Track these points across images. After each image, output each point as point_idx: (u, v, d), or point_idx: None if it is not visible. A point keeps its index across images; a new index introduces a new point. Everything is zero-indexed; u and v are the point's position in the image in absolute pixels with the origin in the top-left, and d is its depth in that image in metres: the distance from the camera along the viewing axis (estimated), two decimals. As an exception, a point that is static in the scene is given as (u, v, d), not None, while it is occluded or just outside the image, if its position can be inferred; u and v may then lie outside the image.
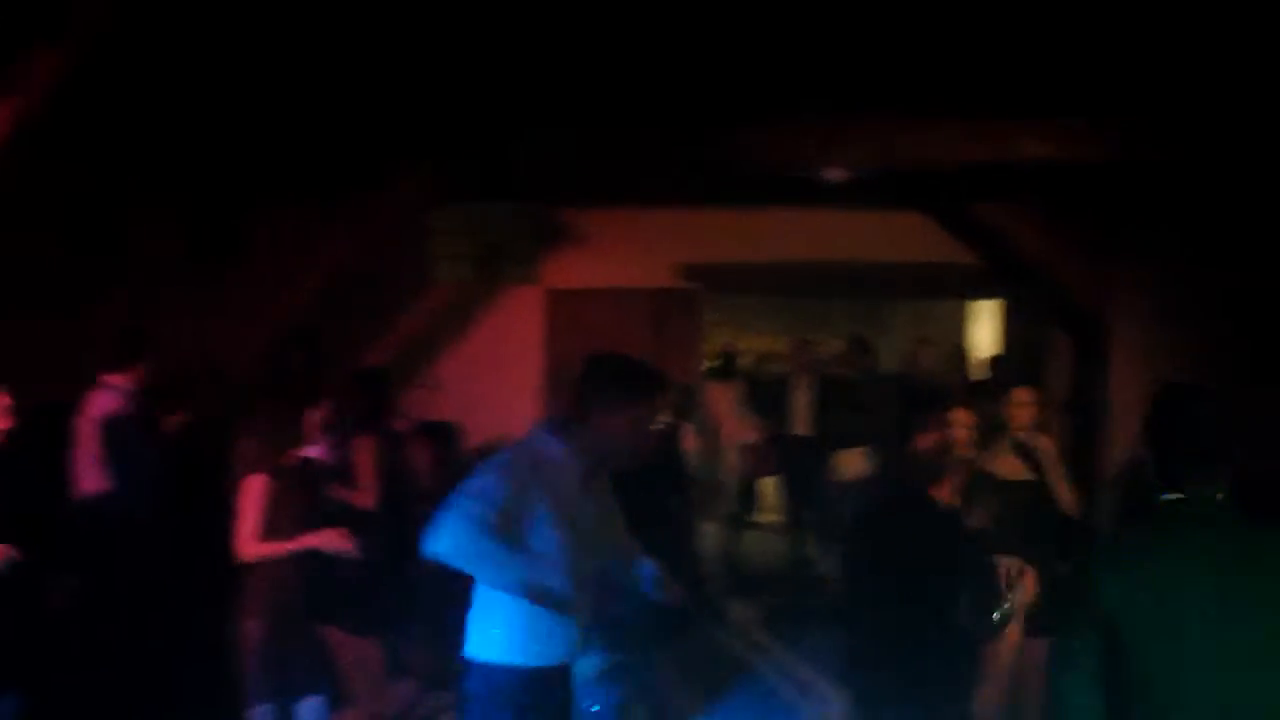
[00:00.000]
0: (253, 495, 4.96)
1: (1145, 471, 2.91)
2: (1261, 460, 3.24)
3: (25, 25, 4.69)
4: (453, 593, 6.41)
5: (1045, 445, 6.14)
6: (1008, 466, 5.85)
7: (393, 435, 6.69)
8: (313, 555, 5.08)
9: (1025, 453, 5.94)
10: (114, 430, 6.12)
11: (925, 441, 4.31)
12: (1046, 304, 8.63)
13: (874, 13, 5.13)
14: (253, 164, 6.78)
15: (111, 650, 5.66)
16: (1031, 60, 5.46)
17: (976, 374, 10.18)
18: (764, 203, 9.01)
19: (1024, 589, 4.40)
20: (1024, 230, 7.84)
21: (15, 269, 6.05)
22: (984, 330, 12.20)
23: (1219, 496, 2.83)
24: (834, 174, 7.04)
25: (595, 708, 4.85)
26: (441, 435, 6.90)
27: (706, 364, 10.90)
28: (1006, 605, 4.15)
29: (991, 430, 6.37)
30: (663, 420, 6.68)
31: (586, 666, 4.98)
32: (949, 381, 9.48)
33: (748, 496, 11.00)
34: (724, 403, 9.96)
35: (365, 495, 6.16)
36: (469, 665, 3.69)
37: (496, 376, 9.70)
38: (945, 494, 4.37)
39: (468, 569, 3.57)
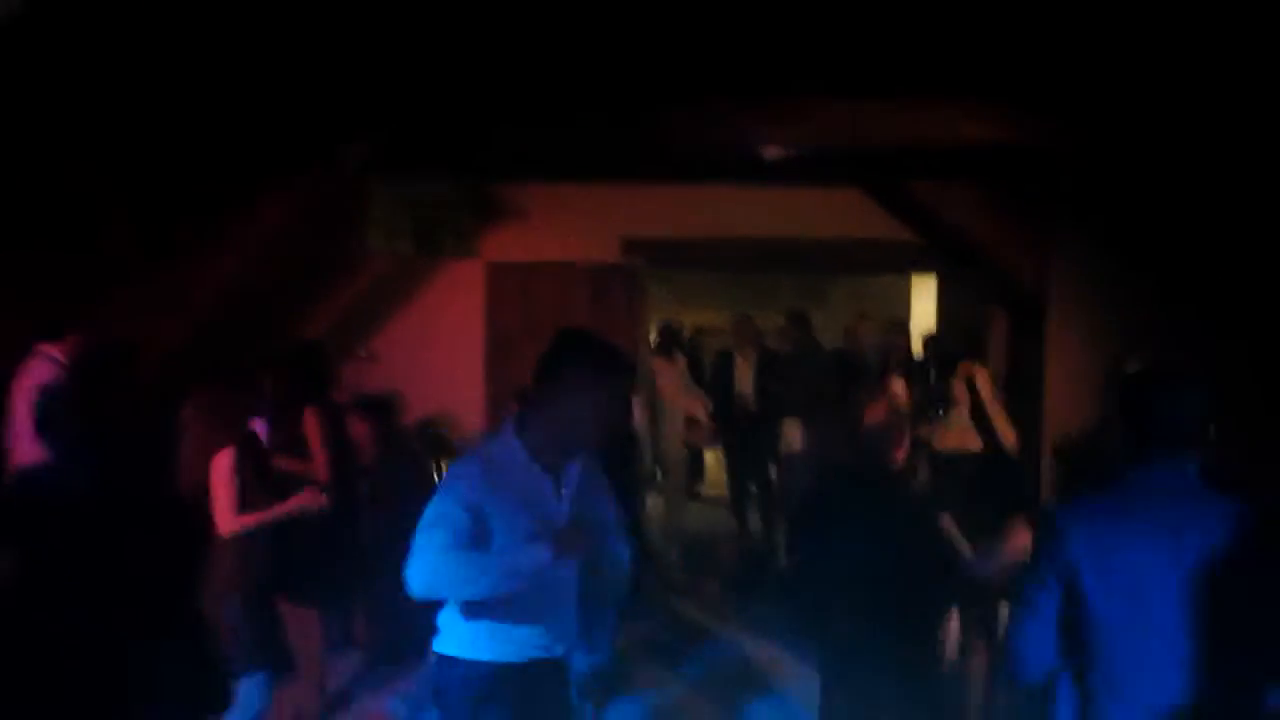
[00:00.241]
0: (222, 471, 4.94)
1: (1105, 443, 3.00)
2: (1228, 437, 3.35)
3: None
4: (399, 569, 6.46)
5: (982, 378, 6.27)
6: (955, 439, 5.95)
7: (333, 407, 6.66)
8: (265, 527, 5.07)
9: (978, 421, 6.04)
10: (46, 399, 6.03)
11: (875, 414, 4.36)
12: (984, 281, 8.73)
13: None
14: (188, 142, 6.67)
15: (45, 629, 5.59)
16: (970, 39, 5.50)
17: (915, 349, 10.29)
18: (705, 178, 9.01)
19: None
20: (961, 208, 7.91)
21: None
22: (924, 306, 12.32)
23: (1188, 470, 2.95)
24: (772, 152, 7.06)
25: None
26: (380, 408, 6.88)
27: (650, 339, 10.93)
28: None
29: (931, 404, 6.47)
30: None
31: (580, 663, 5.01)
32: (887, 356, 9.59)
33: (693, 470, 11.07)
34: (669, 377, 10.00)
35: (318, 466, 6.12)
36: (441, 660, 3.61)
37: (436, 350, 9.66)
38: (896, 464, 4.43)
39: (451, 596, 3.51)
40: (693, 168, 8.46)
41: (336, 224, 8.41)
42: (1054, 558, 2.95)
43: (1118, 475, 3.01)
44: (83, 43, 5.37)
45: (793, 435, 8.98)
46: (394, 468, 6.60)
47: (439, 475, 7.69)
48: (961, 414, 6.45)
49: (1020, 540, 4.21)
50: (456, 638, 3.56)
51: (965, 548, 4.39)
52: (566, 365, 3.53)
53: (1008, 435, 6.19)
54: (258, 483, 5.10)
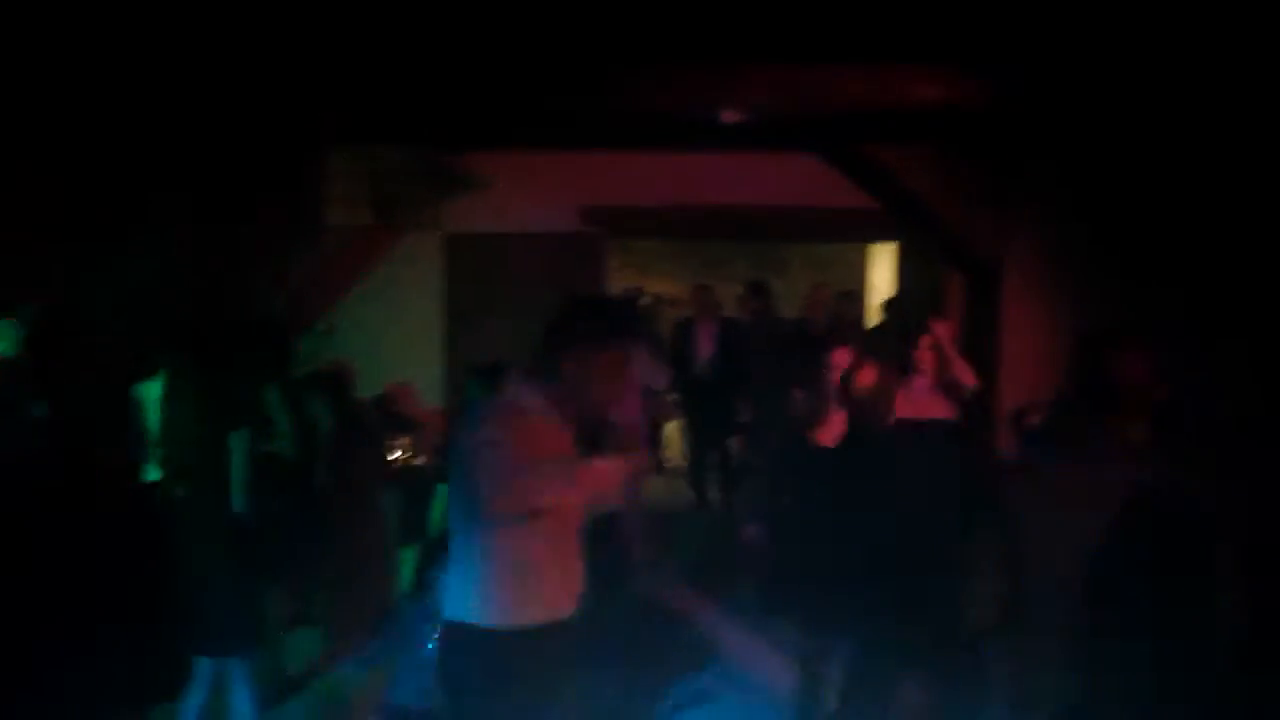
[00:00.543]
0: None
1: (1060, 407, 3.09)
2: (1172, 400, 3.43)
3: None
4: (358, 543, 6.45)
5: (942, 331, 6.32)
6: (919, 406, 5.97)
7: (291, 382, 6.62)
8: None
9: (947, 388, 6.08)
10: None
11: (866, 378, 4.38)
12: (941, 248, 8.75)
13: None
14: (144, 113, 6.58)
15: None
16: (926, 2, 5.49)
17: (873, 317, 10.33)
18: (664, 147, 8.99)
19: None
20: (919, 175, 7.92)
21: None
22: (882, 273, 12.36)
23: (1130, 433, 3.05)
24: (729, 117, 7.03)
25: (430, 645, 4.84)
26: (338, 381, 6.84)
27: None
28: None
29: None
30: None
31: None
32: (846, 324, 9.63)
33: (653, 441, 11.08)
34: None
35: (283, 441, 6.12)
36: (450, 628, 3.55)
37: (395, 322, 9.60)
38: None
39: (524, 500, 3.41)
40: (651, 136, 8.42)
41: (294, 195, 8.34)
42: (1001, 519, 3.13)
43: (1064, 439, 3.08)
44: (35, 14, 5.29)
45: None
46: (349, 442, 6.56)
47: (397, 450, 7.66)
48: (924, 381, 6.48)
49: None
50: (466, 604, 3.50)
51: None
52: (571, 333, 3.49)
53: (969, 379, 6.26)
54: None
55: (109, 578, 5.54)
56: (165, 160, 7.13)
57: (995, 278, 7.82)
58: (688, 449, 10.70)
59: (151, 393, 6.48)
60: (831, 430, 4.95)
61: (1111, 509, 2.94)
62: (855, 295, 11.06)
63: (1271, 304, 5.79)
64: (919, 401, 6.01)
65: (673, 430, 11.39)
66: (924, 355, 6.11)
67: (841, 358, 5.14)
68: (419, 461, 7.64)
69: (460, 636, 3.50)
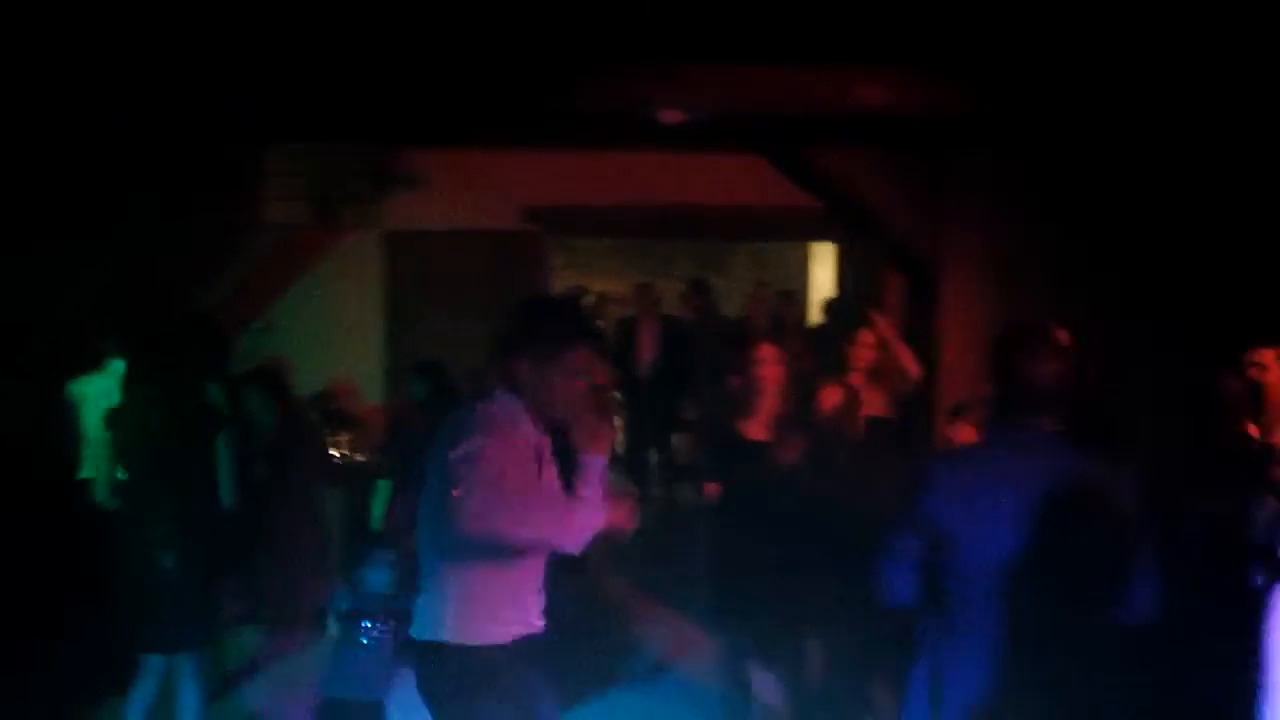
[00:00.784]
0: None
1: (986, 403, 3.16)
2: (1092, 395, 3.55)
3: None
4: (299, 540, 6.40)
5: (884, 325, 6.40)
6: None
7: (231, 380, 6.56)
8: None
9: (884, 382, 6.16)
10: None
11: (831, 397, 4.42)
12: (881, 248, 8.83)
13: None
14: (81, 108, 6.50)
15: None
16: (869, 6, 5.54)
17: (813, 316, 10.41)
18: (606, 145, 9.00)
19: None
20: (858, 176, 7.99)
21: None
22: (823, 273, 12.45)
23: (1048, 427, 3.12)
24: (671, 117, 7.05)
25: (365, 639, 4.82)
26: (277, 379, 6.79)
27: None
28: None
29: (829, 370, 6.55)
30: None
31: None
32: (787, 323, 9.69)
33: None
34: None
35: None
36: (426, 649, 3.44)
37: (334, 320, 9.53)
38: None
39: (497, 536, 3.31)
40: (592, 134, 8.43)
41: (232, 193, 8.26)
42: (918, 507, 3.16)
43: (984, 432, 3.17)
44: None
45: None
46: (289, 439, 6.51)
47: (339, 449, 7.62)
48: (859, 378, 6.53)
49: None
50: (442, 623, 3.40)
51: None
52: (530, 335, 3.42)
53: (914, 368, 6.35)
54: None
55: (50, 576, 5.49)
56: (101, 160, 7.04)
57: (933, 277, 7.91)
58: (627, 447, 10.71)
59: (89, 389, 6.41)
60: (760, 423, 5.00)
61: (1027, 499, 3.04)
62: (796, 294, 11.13)
63: (1201, 300, 5.91)
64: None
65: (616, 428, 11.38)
66: (862, 352, 6.17)
67: (768, 352, 5.20)
68: (359, 458, 7.60)
69: (438, 655, 3.41)
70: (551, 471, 3.50)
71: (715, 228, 10.69)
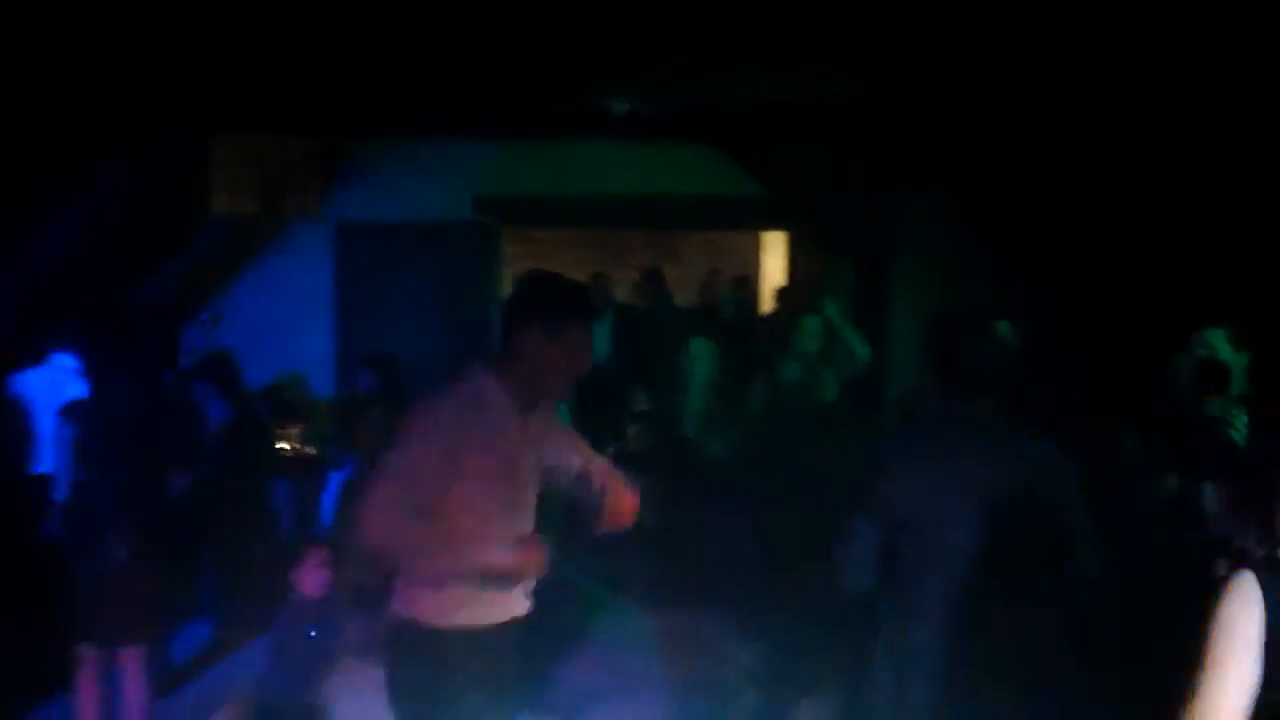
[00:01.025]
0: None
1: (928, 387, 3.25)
2: (1032, 377, 3.63)
3: None
4: (248, 534, 6.35)
5: (832, 311, 6.46)
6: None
7: (179, 371, 6.51)
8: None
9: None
10: None
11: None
12: (831, 237, 8.88)
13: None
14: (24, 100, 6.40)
15: None
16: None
17: (766, 304, 10.42)
18: (558, 135, 8.97)
19: None
20: (809, 165, 8.03)
21: None
22: (777, 261, 12.47)
23: (988, 409, 3.24)
24: (621, 107, 7.05)
25: (313, 633, 4.79)
26: (226, 371, 6.73)
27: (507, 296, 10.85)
28: None
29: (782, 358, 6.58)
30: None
31: None
32: (739, 311, 9.70)
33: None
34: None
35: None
36: (401, 626, 3.36)
37: (284, 311, 9.45)
38: None
39: (396, 554, 3.30)
40: (546, 125, 8.41)
41: (179, 185, 8.17)
42: (872, 489, 3.28)
43: (927, 414, 3.25)
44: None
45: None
46: (238, 432, 6.46)
47: (288, 442, 7.55)
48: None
49: None
50: (413, 603, 3.33)
51: None
52: (537, 310, 3.34)
53: (859, 347, 6.41)
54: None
55: None
56: (47, 150, 6.95)
57: (884, 266, 7.96)
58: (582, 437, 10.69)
59: (34, 384, 6.33)
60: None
61: (972, 480, 3.16)
62: (749, 282, 11.14)
63: (1151, 283, 5.98)
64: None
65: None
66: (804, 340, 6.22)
67: (698, 347, 5.25)
68: (309, 451, 7.54)
69: (407, 636, 3.34)
70: (516, 457, 3.38)
71: (668, 216, 10.67)
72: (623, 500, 3.54)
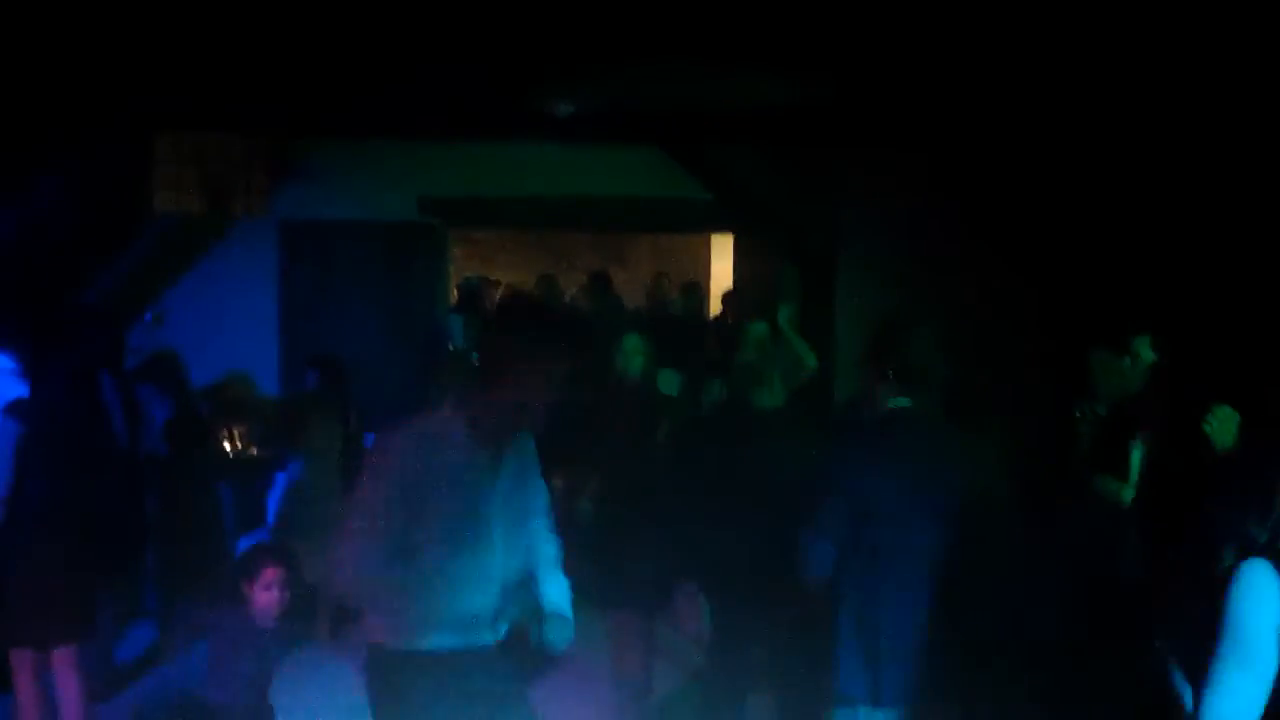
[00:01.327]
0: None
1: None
2: (970, 374, 3.81)
3: None
4: (192, 535, 6.31)
5: (781, 315, 6.52)
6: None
7: (123, 371, 6.45)
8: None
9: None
10: None
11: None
12: (777, 241, 8.93)
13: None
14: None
15: None
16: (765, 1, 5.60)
17: (713, 308, 10.48)
18: (504, 137, 8.98)
19: None
20: (755, 169, 8.07)
21: None
22: (722, 264, 12.55)
23: (930, 404, 3.46)
24: (566, 109, 7.06)
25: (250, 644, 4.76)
26: (170, 371, 6.68)
27: (452, 297, 10.85)
28: None
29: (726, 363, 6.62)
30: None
31: None
32: (687, 315, 9.75)
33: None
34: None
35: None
36: (374, 651, 3.32)
37: (228, 311, 9.39)
38: None
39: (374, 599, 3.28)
40: (492, 126, 8.40)
41: (122, 182, 8.09)
42: (835, 483, 3.47)
43: (873, 413, 3.50)
44: None
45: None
46: (182, 432, 6.42)
47: (232, 441, 7.51)
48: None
49: None
50: (390, 625, 3.29)
51: None
52: (513, 338, 3.25)
53: (809, 360, 6.47)
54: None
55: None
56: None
57: (829, 269, 8.03)
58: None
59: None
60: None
61: (922, 471, 3.38)
62: (696, 285, 11.21)
63: (1086, 288, 6.09)
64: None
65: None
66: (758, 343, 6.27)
67: (632, 343, 5.32)
68: (253, 451, 7.50)
69: (383, 660, 3.30)
70: (480, 496, 3.30)
71: (615, 219, 10.72)
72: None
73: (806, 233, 8.17)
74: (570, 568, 3.57)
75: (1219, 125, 5.29)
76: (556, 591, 3.48)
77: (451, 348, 9.35)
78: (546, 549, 3.55)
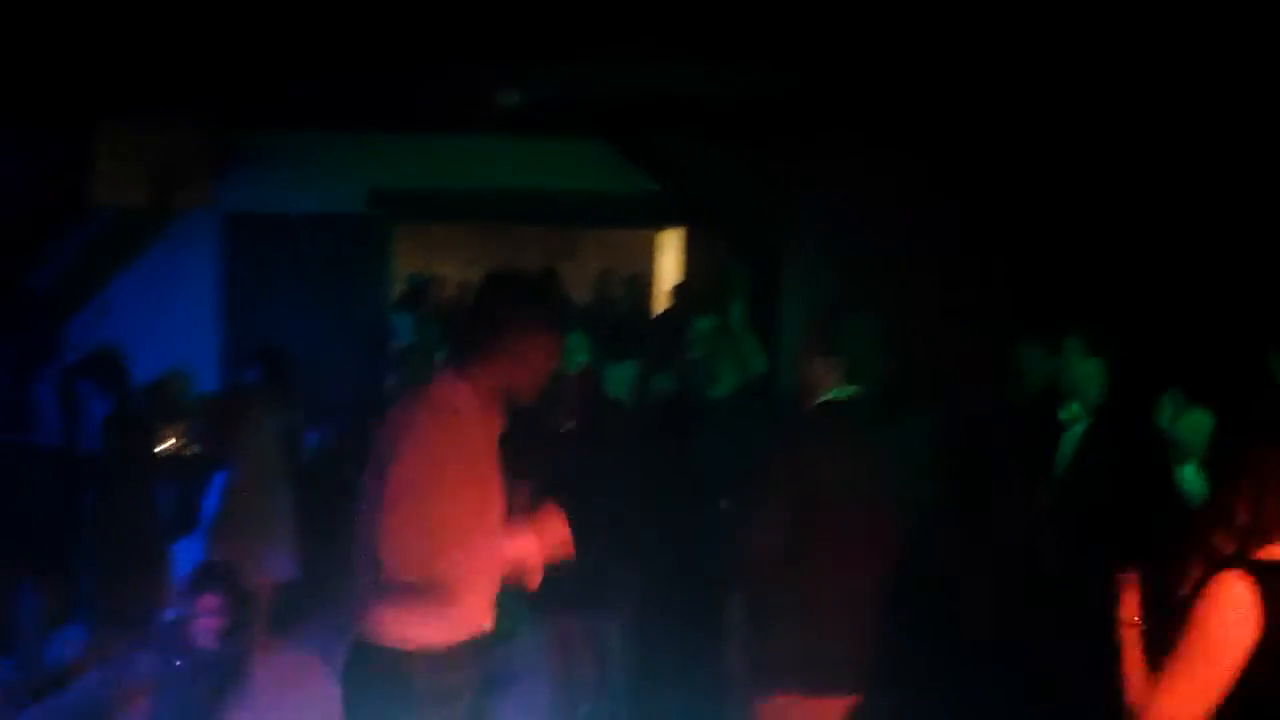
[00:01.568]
0: None
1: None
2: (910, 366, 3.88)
3: None
4: (127, 536, 6.20)
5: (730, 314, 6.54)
6: None
7: (62, 367, 6.35)
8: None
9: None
10: None
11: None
12: (725, 236, 8.94)
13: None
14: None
15: None
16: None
17: (660, 303, 10.47)
18: (451, 129, 8.92)
19: None
20: (703, 163, 8.07)
21: None
22: (671, 259, 12.53)
23: (868, 395, 3.51)
24: (509, 100, 7.02)
25: (178, 662, 4.69)
26: (109, 367, 6.58)
27: (398, 292, 10.78)
28: None
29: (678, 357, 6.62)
30: None
31: None
32: (633, 310, 9.73)
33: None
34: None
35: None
36: (362, 649, 3.23)
37: (170, 305, 9.26)
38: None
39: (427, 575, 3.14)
40: (441, 116, 8.34)
41: (61, 173, 7.96)
42: (774, 477, 3.53)
43: (811, 403, 3.55)
44: None
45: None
46: (121, 429, 6.31)
47: (172, 438, 7.41)
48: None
49: None
50: (368, 623, 3.20)
51: None
52: (505, 311, 3.24)
53: (757, 362, 6.48)
54: None
55: None
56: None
57: (775, 263, 8.04)
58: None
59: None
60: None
61: (861, 460, 3.47)
62: (640, 278, 11.20)
63: (1028, 287, 6.13)
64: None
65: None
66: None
67: (575, 341, 5.33)
68: (193, 450, 7.39)
69: (368, 659, 3.22)
70: (493, 467, 3.29)
71: (563, 213, 10.68)
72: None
73: (754, 227, 8.18)
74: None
75: (1158, 127, 5.33)
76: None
77: (396, 343, 9.27)
78: None
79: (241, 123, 8.87)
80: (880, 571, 3.46)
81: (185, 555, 6.09)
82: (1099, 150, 5.70)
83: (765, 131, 7.75)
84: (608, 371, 6.74)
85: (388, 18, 5.87)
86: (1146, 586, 2.52)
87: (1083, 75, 5.38)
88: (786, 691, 3.48)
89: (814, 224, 7.80)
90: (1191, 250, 5.16)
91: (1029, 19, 4.90)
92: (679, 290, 10.28)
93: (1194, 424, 4.61)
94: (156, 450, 6.94)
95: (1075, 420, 4.53)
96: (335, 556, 6.24)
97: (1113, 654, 2.51)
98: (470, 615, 3.25)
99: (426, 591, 3.12)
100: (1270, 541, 2.31)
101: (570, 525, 3.30)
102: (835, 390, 3.52)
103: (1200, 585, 2.30)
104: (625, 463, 4.98)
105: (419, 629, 3.17)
